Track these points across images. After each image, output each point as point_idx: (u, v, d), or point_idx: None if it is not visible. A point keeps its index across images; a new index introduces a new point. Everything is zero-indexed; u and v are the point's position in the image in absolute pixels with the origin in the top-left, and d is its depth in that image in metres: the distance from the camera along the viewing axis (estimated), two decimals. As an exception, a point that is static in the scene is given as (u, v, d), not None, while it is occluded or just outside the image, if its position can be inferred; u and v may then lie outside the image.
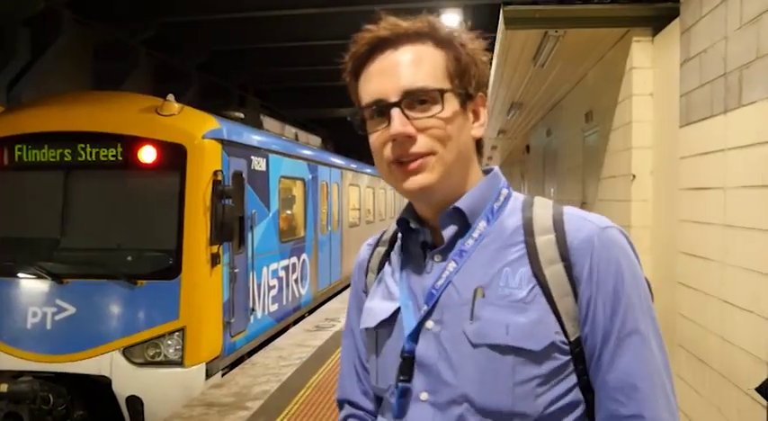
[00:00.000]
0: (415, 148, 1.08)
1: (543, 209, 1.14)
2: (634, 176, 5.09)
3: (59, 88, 11.63)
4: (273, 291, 7.88)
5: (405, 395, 1.12)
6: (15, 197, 6.23)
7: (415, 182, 1.09)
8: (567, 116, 8.54)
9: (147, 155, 5.89)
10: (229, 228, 6.12)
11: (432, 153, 1.08)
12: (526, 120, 11.80)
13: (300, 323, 9.02)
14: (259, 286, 7.33)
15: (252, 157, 7.23)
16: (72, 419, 5.61)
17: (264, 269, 7.55)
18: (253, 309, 7.08)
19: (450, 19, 12.74)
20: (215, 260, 6.03)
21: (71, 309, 5.71)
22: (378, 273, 1.28)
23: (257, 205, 7.36)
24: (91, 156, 5.97)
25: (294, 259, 8.86)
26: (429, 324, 1.11)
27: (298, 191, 9.50)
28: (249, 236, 7.01)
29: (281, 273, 8.24)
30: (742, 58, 3.31)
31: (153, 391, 5.59)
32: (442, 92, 1.08)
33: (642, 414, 1.03)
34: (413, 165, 1.08)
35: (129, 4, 12.84)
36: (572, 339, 1.06)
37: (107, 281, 5.75)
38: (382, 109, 1.09)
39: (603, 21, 5.06)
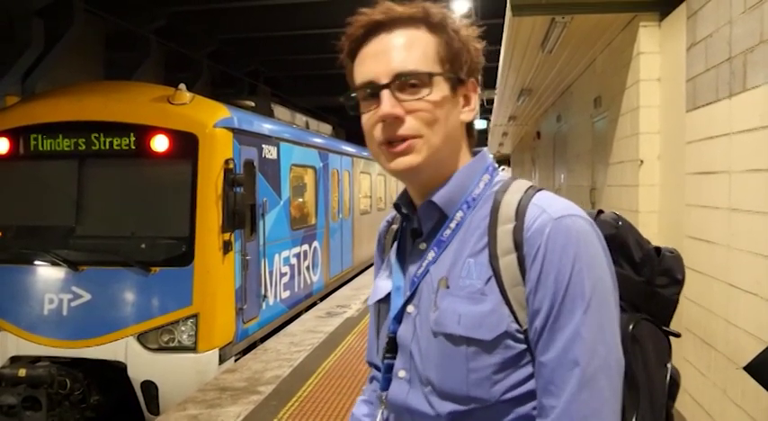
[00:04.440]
0: (403, 130, 1.11)
1: (514, 194, 1.13)
2: (642, 161, 5.10)
3: (72, 78, 11.74)
4: (285, 278, 7.97)
5: (389, 371, 1.20)
6: (31, 186, 6.33)
7: (401, 162, 1.12)
8: (577, 102, 8.53)
9: (160, 144, 5.96)
10: (241, 216, 6.19)
11: (418, 136, 1.11)
12: (536, 106, 11.78)
13: (312, 309, 9.12)
14: (271, 273, 7.42)
15: (263, 146, 7.29)
16: (88, 403, 5.74)
17: (276, 256, 7.64)
18: (265, 296, 7.18)
19: (460, 5, 12.69)
20: (227, 247, 6.11)
21: (87, 296, 5.82)
22: (390, 250, 1.33)
23: (268, 193, 7.44)
24: (104, 145, 6.06)
25: (306, 246, 8.94)
26: (410, 308, 1.18)
27: (309, 178, 9.56)
28: (261, 223, 7.09)
29: (293, 261, 8.33)
30: (746, 42, 3.32)
31: (167, 376, 5.69)
32: (431, 75, 1.11)
33: (555, 405, 1.02)
34: (400, 147, 1.11)
35: (139, -6, 12.91)
36: (524, 328, 1.07)
37: (121, 268, 5.84)
38: (374, 90, 1.12)
39: (610, 6, 5.06)
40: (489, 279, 1.08)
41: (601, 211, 1.25)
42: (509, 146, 24.41)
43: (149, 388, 5.69)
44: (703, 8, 3.97)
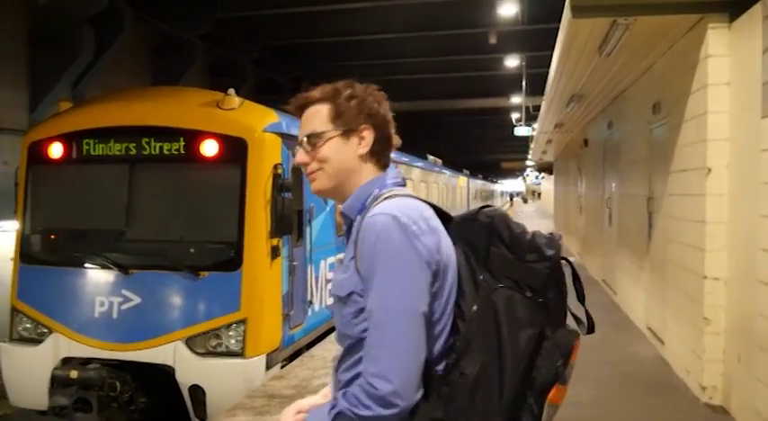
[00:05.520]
0: (309, 169, 1.74)
1: (378, 201, 1.63)
2: (709, 170, 4.87)
3: (120, 84, 11.95)
4: (330, 284, 7.89)
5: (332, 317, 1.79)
6: (83, 190, 6.39)
7: (312, 187, 1.78)
8: (632, 108, 8.28)
9: (209, 148, 5.94)
10: (289, 221, 6.14)
11: (320, 169, 1.73)
12: (585, 112, 11.51)
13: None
14: (317, 279, 7.34)
15: (310, 151, 7.22)
16: (136, 406, 5.75)
17: (322, 262, 7.57)
18: (311, 302, 7.11)
19: (507, 9, 12.53)
20: (275, 253, 6.05)
21: (136, 299, 5.82)
22: None
23: (315, 199, 7.37)
24: (155, 149, 6.07)
25: (349, 253, 8.86)
26: None
27: (353, 185, 9.46)
28: (307, 229, 7.02)
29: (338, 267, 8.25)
30: (838, 42, 3.11)
31: (215, 381, 5.65)
32: (318, 134, 1.71)
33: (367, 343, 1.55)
34: (309, 177, 1.76)
35: (186, 0, 13.08)
36: None
37: (170, 272, 5.84)
38: (299, 145, 1.78)
39: (677, 7, 4.86)
40: (352, 257, 1.62)
41: (486, 206, 1.69)
42: (552, 154, 24.03)
43: (197, 392, 5.65)
44: (783, 8, 3.76)
